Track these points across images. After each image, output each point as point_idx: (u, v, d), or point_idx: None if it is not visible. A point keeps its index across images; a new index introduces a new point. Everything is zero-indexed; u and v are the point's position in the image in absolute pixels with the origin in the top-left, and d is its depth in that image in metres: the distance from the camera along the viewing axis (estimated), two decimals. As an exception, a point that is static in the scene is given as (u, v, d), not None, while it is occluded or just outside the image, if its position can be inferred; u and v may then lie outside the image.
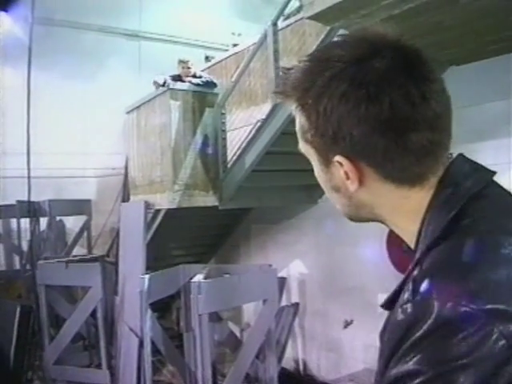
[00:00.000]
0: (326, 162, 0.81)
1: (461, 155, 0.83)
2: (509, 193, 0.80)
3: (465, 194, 0.75)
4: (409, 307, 0.66)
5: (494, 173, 0.81)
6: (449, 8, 3.52)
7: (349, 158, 0.77)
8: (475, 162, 0.82)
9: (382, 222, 0.86)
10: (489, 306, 0.61)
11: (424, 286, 0.66)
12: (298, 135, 0.85)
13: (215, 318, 5.62)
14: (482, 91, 4.76)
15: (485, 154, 4.85)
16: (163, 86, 6.24)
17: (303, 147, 0.85)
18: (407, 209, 0.80)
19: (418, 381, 0.60)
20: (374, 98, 0.73)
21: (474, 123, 4.86)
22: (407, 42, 0.78)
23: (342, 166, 0.78)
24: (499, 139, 4.68)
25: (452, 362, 0.59)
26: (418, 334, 0.62)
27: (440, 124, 0.76)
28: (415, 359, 0.61)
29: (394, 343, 0.65)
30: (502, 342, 0.59)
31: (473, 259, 0.67)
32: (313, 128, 0.79)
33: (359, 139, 0.75)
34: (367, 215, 0.85)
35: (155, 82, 6.46)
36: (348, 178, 0.79)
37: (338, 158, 0.78)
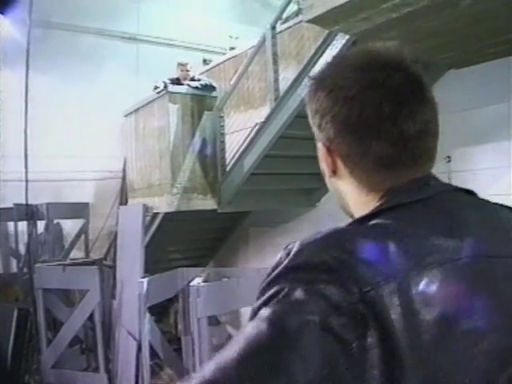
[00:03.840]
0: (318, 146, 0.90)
1: (428, 174, 0.84)
2: (444, 211, 0.78)
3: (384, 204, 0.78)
4: (279, 254, 0.72)
5: (438, 189, 0.81)
6: (448, 12, 3.53)
7: (326, 147, 0.86)
8: (428, 183, 0.82)
9: None
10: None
11: (297, 241, 0.72)
12: None
13: (214, 321, 5.61)
14: (482, 94, 4.77)
15: (485, 157, 4.87)
16: (164, 89, 6.21)
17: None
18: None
19: (265, 314, 0.66)
20: (348, 101, 0.80)
21: (473, 126, 4.86)
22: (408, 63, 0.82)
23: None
24: (499, 142, 4.68)
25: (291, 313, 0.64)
26: (271, 276, 0.69)
27: (406, 144, 0.79)
28: (264, 297, 0.68)
29: (262, 281, 0.72)
30: (322, 302, 0.63)
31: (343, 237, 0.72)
32: (311, 117, 0.88)
33: (333, 135, 0.83)
34: (346, 207, 0.90)
35: (156, 87, 6.40)
36: (327, 164, 0.88)
37: (319, 144, 0.88)
